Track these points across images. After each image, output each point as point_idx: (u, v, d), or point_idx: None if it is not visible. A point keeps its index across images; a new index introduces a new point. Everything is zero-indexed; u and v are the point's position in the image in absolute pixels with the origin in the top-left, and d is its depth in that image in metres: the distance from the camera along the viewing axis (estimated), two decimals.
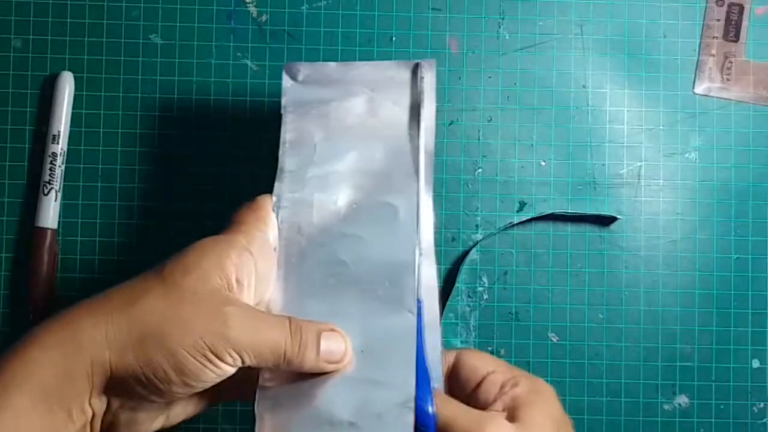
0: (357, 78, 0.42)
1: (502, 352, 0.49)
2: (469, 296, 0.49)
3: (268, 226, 0.38)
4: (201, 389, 0.34)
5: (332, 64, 0.42)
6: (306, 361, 0.35)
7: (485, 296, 0.49)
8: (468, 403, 0.37)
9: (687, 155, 0.50)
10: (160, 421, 0.36)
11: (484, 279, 0.49)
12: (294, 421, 0.36)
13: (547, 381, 0.38)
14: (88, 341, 0.32)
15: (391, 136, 0.40)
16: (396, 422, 0.36)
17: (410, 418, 0.35)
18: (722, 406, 0.49)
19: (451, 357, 0.40)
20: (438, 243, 0.49)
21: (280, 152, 0.40)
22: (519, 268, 0.49)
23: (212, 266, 0.34)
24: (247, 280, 0.35)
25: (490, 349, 0.49)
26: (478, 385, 0.38)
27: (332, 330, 0.36)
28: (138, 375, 0.33)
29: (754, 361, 0.49)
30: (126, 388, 0.33)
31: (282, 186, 0.40)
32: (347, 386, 0.36)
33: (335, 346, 0.36)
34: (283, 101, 0.41)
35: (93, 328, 0.33)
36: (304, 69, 0.42)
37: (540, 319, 0.49)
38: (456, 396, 0.38)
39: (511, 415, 0.36)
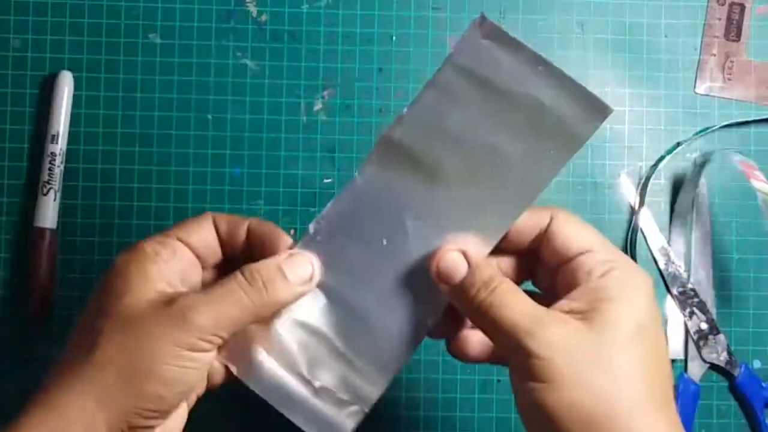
0: (544, 74, 0.35)
1: None
2: None
3: (188, 233, 0.36)
4: (190, 390, 0.34)
5: (529, 49, 0.35)
6: (279, 294, 0.34)
7: None
8: (550, 281, 0.35)
9: (688, 155, 0.50)
10: None
11: None
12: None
13: None
14: (75, 415, 0.31)
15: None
16: (341, 423, 0.36)
17: (350, 428, 0.35)
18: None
19: (544, 217, 0.35)
20: None
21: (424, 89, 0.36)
22: None
23: (140, 282, 0.33)
24: (175, 280, 0.35)
25: None
26: (567, 261, 0.34)
27: (291, 255, 0.35)
28: (136, 411, 0.32)
29: (755, 361, 0.49)
30: (129, 425, 0.32)
31: (408, 119, 0.35)
32: (324, 351, 0.36)
33: (302, 270, 0.35)
34: (457, 45, 0.36)
35: (75, 399, 0.31)
36: (498, 33, 0.35)
37: None
38: (539, 267, 0.36)
39: (589, 311, 0.32)
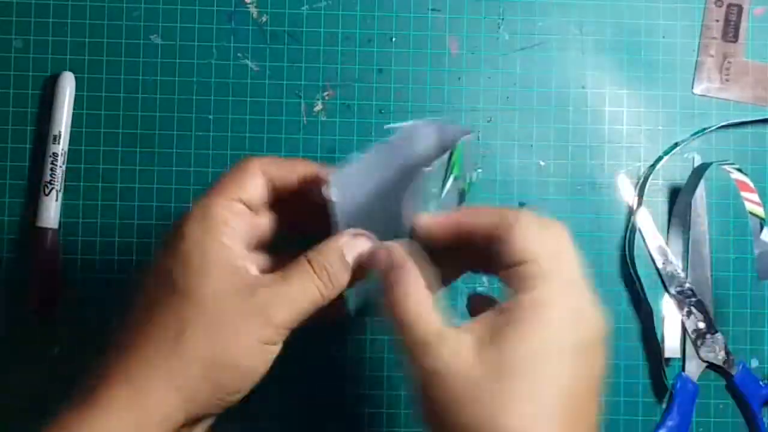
0: None
1: None
2: None
3: (246, 191, 0.36)
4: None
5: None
6: (344, 282, 0.35)
7: None
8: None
9: (686, 155, 0.50)
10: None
11: (485, 279, 0.49)
12: None
13: None
14: (157, 406, 0.32)
15: None
16: None
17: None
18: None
19: (502, 218, 0.33)
20: None
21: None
22: None
23: (217, 258, 0.33)
24: (243, 246, 0.35)
25: None
26: (509, 267, 0.32)
27: (354, 236, 0.35)
28: (215, 404, 0.33)
29: (753, 360, 0.49)
30: (202, 415, 0.33)
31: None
32: None
33: (361, 249, 0.35)
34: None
35: (159, 390, 0.32)
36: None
37: None
38: (492, 266, 0.34)
39: (502, 327, 0.31)
